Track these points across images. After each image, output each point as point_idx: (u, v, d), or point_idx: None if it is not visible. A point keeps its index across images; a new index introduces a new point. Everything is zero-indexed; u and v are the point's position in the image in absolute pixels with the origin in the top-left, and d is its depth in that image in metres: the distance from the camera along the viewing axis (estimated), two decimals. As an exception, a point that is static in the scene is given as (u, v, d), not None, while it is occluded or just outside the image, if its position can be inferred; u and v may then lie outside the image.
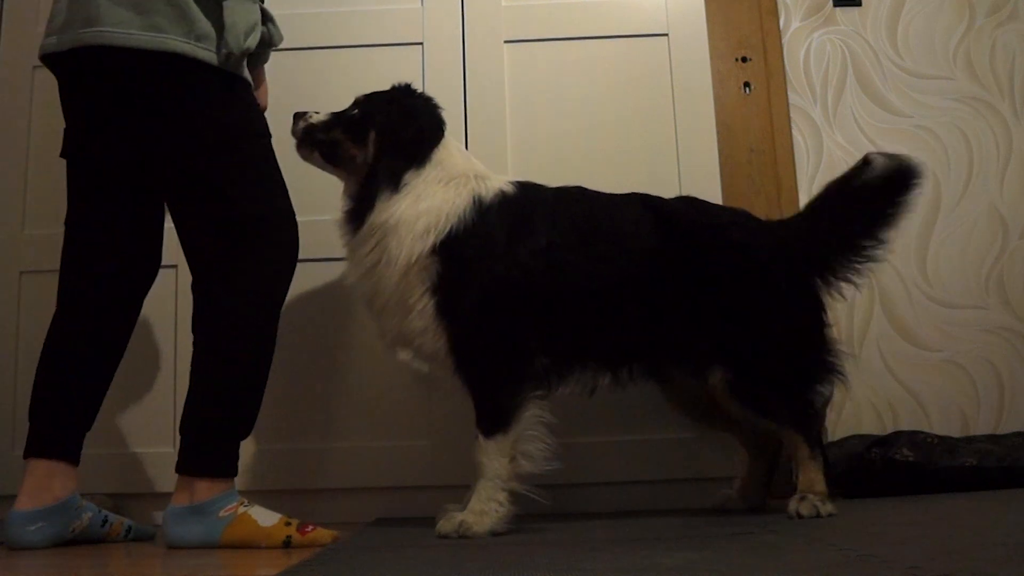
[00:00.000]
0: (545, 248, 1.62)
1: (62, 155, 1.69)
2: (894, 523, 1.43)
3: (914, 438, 2.06)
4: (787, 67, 2.46)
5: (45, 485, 1.53)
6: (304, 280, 2.07)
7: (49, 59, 1.63)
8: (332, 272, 2.10)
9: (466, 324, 1.58)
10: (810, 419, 1.68)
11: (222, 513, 1.51)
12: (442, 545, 1.38)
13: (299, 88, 2.18)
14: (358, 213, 1.67)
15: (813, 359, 1.70)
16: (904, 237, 2.39)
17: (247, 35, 1.64)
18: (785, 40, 2.48)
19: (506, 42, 2.25)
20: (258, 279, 1.63)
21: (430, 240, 1.59)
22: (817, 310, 1.73)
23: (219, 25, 1.60)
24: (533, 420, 1.56)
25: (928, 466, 1.99)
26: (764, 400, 1.67)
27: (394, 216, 1.62)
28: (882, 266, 2.37)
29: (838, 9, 2.50)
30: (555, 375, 1.66)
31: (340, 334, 2.13)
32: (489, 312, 1.58)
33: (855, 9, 2.50)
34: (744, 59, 2.44)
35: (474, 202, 1.63)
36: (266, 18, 1.74)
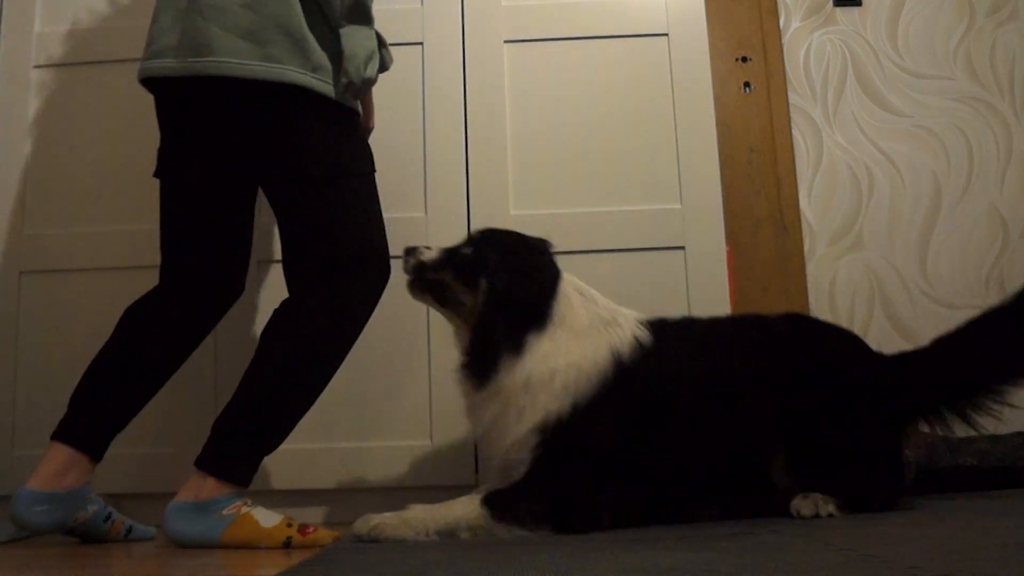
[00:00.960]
0: (680, 411, 1.59)
1: (156, 175, 1.69)
2: (894, 523, 1.43)
3: (914, 438, 2.06)
4: (787, 67, 2.47)
5: (61, 472, 1.54)
6: (304, 280, 2.07)
7: (155, 82, 1.62)
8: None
9: (568, 488, 1.53)
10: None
11: (224, 512, 1.51)
12: (442, 546, 1.38)
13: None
14: (478, 369, 1.61)
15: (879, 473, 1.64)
16: (904, 237, 2.39)
17: (367, 64, 1.61)
18: (785, 40, 2.48)
19: (506, 42, 2.25)
20: (343, 311, 1.63)
21: (568, 401, 1.54)
22: (895, 445, 1.66)
23: (335, 54, 1.59)
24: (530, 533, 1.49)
25: (928, 466, 1.99)
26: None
27: (525, 378, 1.56)
28: (882, 266, 2.38)
29: (838, 9, 2.50)
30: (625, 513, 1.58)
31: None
32: (586, 480, 1.53)
33: (855, 9, 2.50)
34: (744, 59, 2.44)
35: (612, 359, 1.58)
36: (380, 43, 1.70)
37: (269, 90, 1.54)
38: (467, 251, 1.68)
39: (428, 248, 1.70)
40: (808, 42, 2.48)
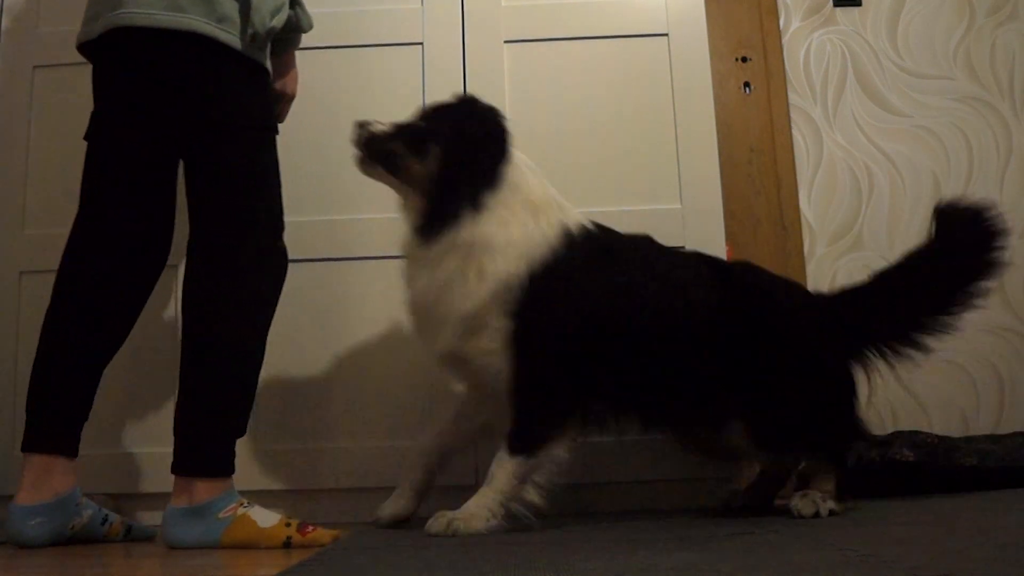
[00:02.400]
0: (625, 287, 1.62)
1: (85, 137, 1.69)
2: (894, 523, 1.43)
3: (914, 438, 2.06)
4: (787, 67, 2.47)
5: (44, 480, 1.53)
6: (306, 280, 2.07)
7: (83, 48, 1.66)
8: (334, 273, 2.10)
9: (538, 353, 1.57)
10: (841, 459, 1.69)
11: (222, 514, 1.51)
12: (441, 545, 1.37)
13: (300, 88, 2.17)
14: (430, 228, 1.62)
15: (839, 419, 1.69)
16: (904, 237, 2.39)
17: (273, 15, 1.64)
18: (785, 40, 2.48)
19: (506, 42, 2.25)
20: (252, 276, 1.62)
21: (523, 266, 1.58)
22: (846, 383, 1.71)
23: (244, 7, 1.61)
24: (556, 457, 1.56)
25: (928, 466, 1.99)
26: (790, 448, 1.69)
27: (485, 237, 1.59)
28: (882, 266, 2.38)
29: (838, 9, 2.50)
30: (596, 420, 1.66)
31: (340, 334, 2.13)
32: (562, 344, 1.58)
33: (855, 9, 2.50)
34: (744, 59, 2.44)
35: (564, 235, 1.63)
36: (294, 2, 1.74)
37: (174, 38, 1.56)
38: (419, 123, 1.70)
39: (379, 122, 1.72)
40: (808, 42, 2.48)
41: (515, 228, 1.61)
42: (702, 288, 1.67)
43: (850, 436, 1.72)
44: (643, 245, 1.73)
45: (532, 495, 1.55)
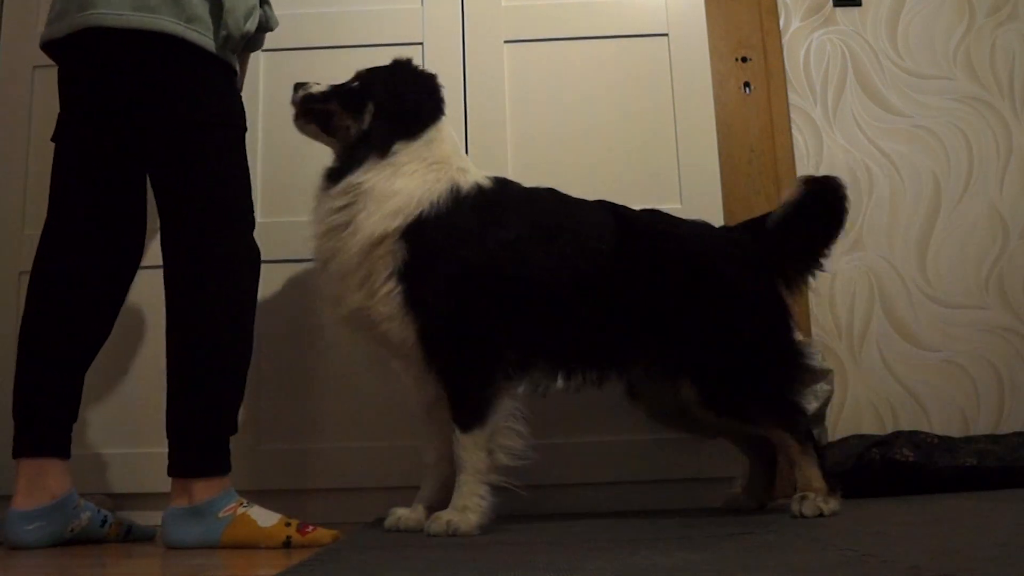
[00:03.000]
0: (513, 241, 1.61)
1: (52, 139, 1.69)
2: (894, 523, 1.43)
3: (914, 438, 2.06)
4: (787, 67, 2.47)
5: (39, 483, 1.52)
6: (304, 280, 2.07)
7: (49, 47, 1.65)
8: (332, 272, 2.10)
9: (436, 314, 1.56)
10: (791, 415, 1.68)
11: (221, 514, 1.51)
12: (442, 545, 1.37)
13: (299, 88, 2.18)
14: (338, 172, 1.66)
15: (782, 359, 1.71)
16: (904, 237, 2.39)
17: (246, 18, 1.65)
18: (785, 40, 2.48)
19: (506, 42, 2.25)
20: (227, 273, 1.61)
21: (397, 222, 1.58)
22: (780, 312, 1.74)
23: (215, 9, 1.61)
24: (508, 413, 1.56)
25: (928, 466, 1.99)
26: (738, 406, 1.68)
27: (369, 183, 1.61)
28: (882, 266, 2.38)
29: (838, 9, 2.50)
30: (518, 370, 1.64)
31: (340, 334, 2.12)
32: (459, 302, 1.57)
33: (855, 9, 2.50)
34: (744, 59, 2.44)
35: (450, 190, 1.63)
36: (263, 1, 1.75)
37: (145, 39, 1.56)
38: (354, 84, 1.75)
39: (317, 83, 1.77)
40: (808, 42, 2.48)
41: (402, 180, 1.62)
42: (600, 235, 1.68)
43: (795, 380, 1.71)
44: (542, 197, 1.74)
45: (503, 459, 1.55)
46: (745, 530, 1.42)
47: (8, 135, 2.22)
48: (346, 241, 1.60)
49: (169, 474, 1.54)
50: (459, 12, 2.26)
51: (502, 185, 1.73)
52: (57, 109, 1.66)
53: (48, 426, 1.58)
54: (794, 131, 2.43)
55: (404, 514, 1.69)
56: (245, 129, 1.72)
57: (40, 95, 2.23)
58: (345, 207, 1.62)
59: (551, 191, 1.77)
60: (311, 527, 1.54)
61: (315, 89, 1.75)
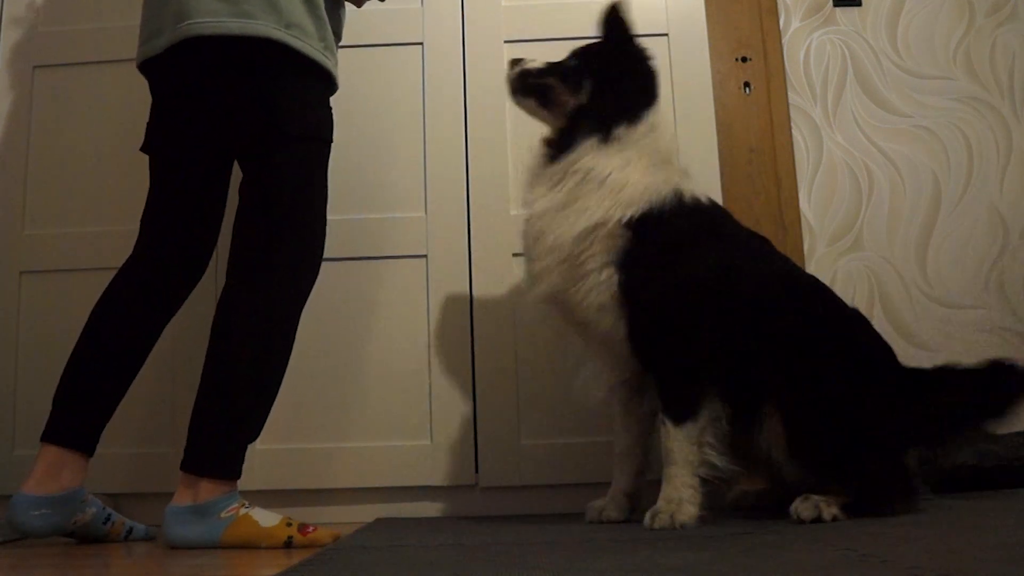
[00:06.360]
0: (728, 260, 1.62)
1: (143, 149, 1.70)
2: (894, 523, 1.43)
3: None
4: (787, 67, 2.46)
5: (54, 474, 1.53)
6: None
7: (147, 65, 1.64)
8: (336, 272, 2.10)
9: (655, 309, 1.57)
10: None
11: (223, 514, 1.51)
12: (442, 546, 1.38)
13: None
14: (558, 145, 1.68)
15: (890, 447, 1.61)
16: (904, 237, 2.39)
17: (343, 19, 1.74)
18: (785, 40, 2.48)
19: (506, 42, 2.25)
20: (286, 285, 1.62)
21: (629, 212, 1.59)
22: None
23: (317, 12, 1.62)
24: (713, 414, 1.57)
25: (928, 466, 1.99)
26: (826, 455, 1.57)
27: (603, 170, 1.62)
28: (882, 266, 2.38)
29: (838, 9, 2.50)
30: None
31: (340, 334, 2.13)
32: (681, 303, 1.57)
33: (855, 9, 2.50)
34: (744, 59, 2.44)
35: (675, 193, 1.64)
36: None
37: (245, 46, 1.55)
38: (572, 63, 1.77)
39: (533, 60, 1.81)
40: (808, 42, 2.48)
41: (634, 171, 1.63)
42: (779, 274, 1.69)
43: (900, 475, 1.58)
44: (740, 226, 1.75)
45: (712, 455, 1.56)
46: (745, 530, 1.42)
47: (8, 135, 2.22)
48: (567, 220, 1.61)
49: (182, 468, 1.54)
50: (459, 12, 2.26)
51: (713, 204, 1.75)
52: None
53: (83, 421, 1.59)
54: (794, 131, 2.43)
55: (602, 505, 1.72)
56: (332, 141, 1.72)
57: (40, 95, 2.23)
58: (570, 188, 1.63)
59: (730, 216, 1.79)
60: (312, 527, 1.54)
61: (531, 65, 1.79)
